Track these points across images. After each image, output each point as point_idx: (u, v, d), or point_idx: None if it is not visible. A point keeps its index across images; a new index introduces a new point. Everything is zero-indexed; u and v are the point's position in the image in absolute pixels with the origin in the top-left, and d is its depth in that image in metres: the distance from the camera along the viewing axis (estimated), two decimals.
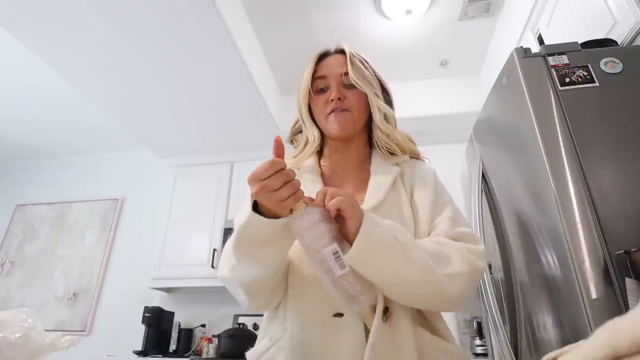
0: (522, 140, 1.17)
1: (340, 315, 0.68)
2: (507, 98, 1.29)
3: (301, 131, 0.94)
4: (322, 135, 0.92)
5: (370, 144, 0.93)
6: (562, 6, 1.65)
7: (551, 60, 1.15)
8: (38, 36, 2.00)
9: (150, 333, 2.67)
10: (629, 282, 0.83)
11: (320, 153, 0.94)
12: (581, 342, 0.30)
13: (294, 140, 0.97)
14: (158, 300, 2.98)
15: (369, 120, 0.90)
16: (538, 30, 1.84)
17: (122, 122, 2.82)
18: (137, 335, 2.72)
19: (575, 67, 1.13)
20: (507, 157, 1.32)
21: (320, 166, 0.91)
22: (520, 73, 1.17)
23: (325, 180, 0.88)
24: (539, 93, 1.12)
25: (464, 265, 0.67)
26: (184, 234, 2.91)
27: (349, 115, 0.85)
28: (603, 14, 1.35)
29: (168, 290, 3.01)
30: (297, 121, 0.96)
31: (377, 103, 0.85)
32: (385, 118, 0.87)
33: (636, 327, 0.24)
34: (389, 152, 0.88)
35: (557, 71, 1.13)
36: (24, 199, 3.65)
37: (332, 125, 0.85)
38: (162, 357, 2.51)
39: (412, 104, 2.77)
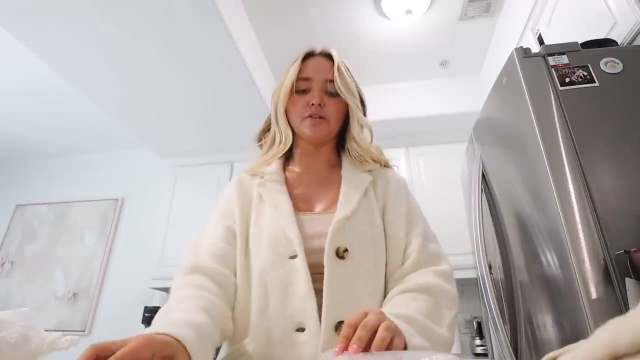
0: (522, 140, 1.17)
1: (302, 330, 0.67)
2: (507, 98, 1.29)
3: (269, 130, 0.92)
4: (292, 137, 0.90)
5: (338, 150, 0.93)
6: (562, 6, 1.65)
7: (551, 60, 1.15)
8: (38, 36, 2.00)
9: None
10: (629, 282, 0.83)
11: (284, 158, 0.91)
12: (581, 342, 0.30)
13: (261, 138, 0.94)
14: (158, 300, 2.98)
15: (342, 127, 0.90)
16: (538, 30, 1.84)
17: (122, 122, 2.81)
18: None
19: (575, 67, 1.13)
20: (507, 157, 1.32)
21: (284, 171, 0.88)
22: (520, 73, 1.17)
23: (290, 186, 0.85)
24: (539, 93, 1.12)
25: (451, 308, 0.70)
26: (184, 234, 2.90)
27: (326, 123, 0.84)
28: (603, 14, 1.35)
29: (168, 290, 3.00)
30: (268, 119, 0.94)
31: (357, 115, 0.86)
32: (362, 130, 0.88)
33: (636, 327, 0.24)
34: (358, 160, 0.88)
35: (557, 71, 1.13)
36: (24, 199, 3.65)
37: (307, 130, 0.84)
38: None
39: (412, 104, 2.75)
